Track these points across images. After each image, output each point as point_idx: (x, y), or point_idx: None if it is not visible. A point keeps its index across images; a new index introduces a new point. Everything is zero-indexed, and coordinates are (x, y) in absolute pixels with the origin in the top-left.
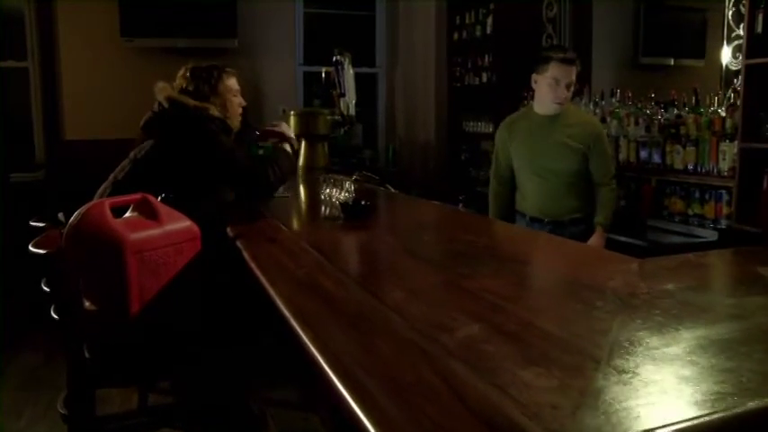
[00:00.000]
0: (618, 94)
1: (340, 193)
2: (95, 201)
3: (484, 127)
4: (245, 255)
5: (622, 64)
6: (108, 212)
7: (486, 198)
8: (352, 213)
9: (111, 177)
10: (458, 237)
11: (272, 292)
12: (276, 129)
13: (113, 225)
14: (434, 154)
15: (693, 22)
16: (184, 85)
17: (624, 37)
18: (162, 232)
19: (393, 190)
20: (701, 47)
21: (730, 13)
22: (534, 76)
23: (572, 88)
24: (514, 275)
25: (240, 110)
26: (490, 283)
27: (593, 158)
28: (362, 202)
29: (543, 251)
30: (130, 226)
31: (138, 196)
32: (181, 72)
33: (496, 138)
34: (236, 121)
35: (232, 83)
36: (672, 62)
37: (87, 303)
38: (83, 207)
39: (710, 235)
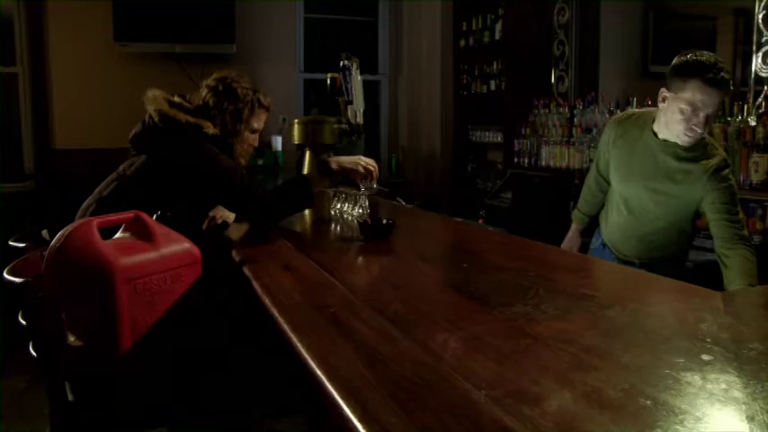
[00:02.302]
0: (634, 101)
1: (352, 209)
2: (81, 220)
3: (492, 136)
4: (256, 286)
5: (631, 72)
6: (96, 233)
7: (501, 211)
8: (372, 234)
9: (95, 192)
10: (502, 264)
11: (295, 340)
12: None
13: (102, 248)
14: (439, 164)
15: (703, 29)
16: (204, 95)
17: (633, 45)
18: (158, 256)
19: (404, 203)
20: None
21: (761, 16)
22: (663, 92)
23: (713, 120)
24: (587, 315)
25: (251, 150)
26: (562, 326)
27: (710, 217)
28: (384, 221)
29: (608, 283)
30: (121, 249)
31: (130, 214)
32: (208, 80)
33: (604, 131)
34: (242, 159)
35: (261, 118)
36: None
37: (71, 338)
38: (67, 227)
39: None
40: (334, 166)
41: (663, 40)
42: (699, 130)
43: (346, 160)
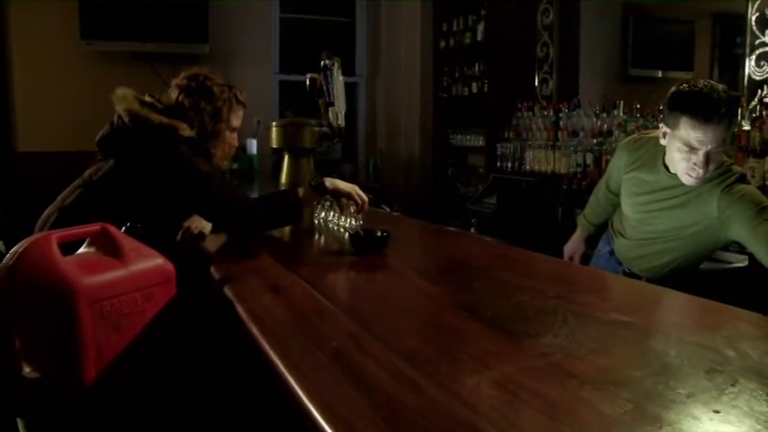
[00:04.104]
0: (621, 105)
1: (340, 219)
2: (39, 234)
3: (473, 140)
4: (241, 311)
5: (611, 75)
6: (55, 249)
7: (485, 216)
8: (365, 247)
9: (57, 200)
10: (513, 282)
11: (292, 381)
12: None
13: (62, 266)
14: (419, 169)
15: (681, 34)
16: (176, 96)
17: (613, 48)
18: (126, 274)
19: (388, 210)
20: (690, 59)
21: (754, 18)
22: (663, 127)
23: (718, 158)
24: (630, 348)
25: (233, 150)
26: (607, 363)
27: (747, 237)
28: (378, 233)
29: (637, 305)
30: (85, 267)
31: (96, 227)
32: (177, 79)
33: (615, 154)
34: (225, 162)
35: (239, 115)
36: (660, 74)
37: (27, 369)
38: (22, 242)
39: (739, 260)
40: (328, 185)
41: (642, 43)
42: (700, 171)
43: (343, 184)
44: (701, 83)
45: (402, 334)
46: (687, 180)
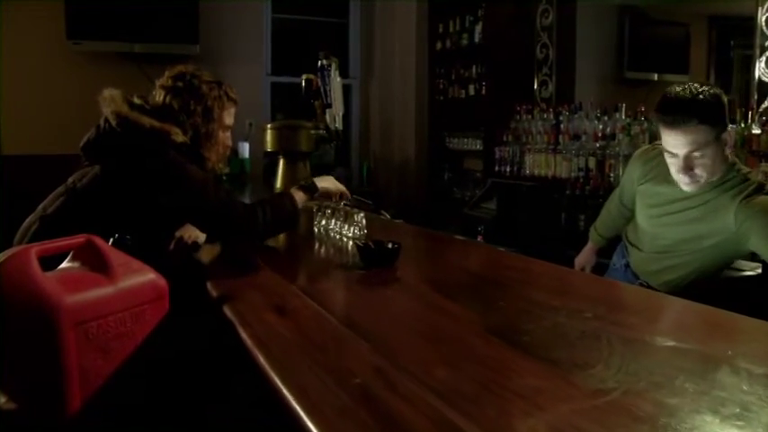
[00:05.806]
0: (623, 108)
1: (341, 227)
2: (17, 248)
3: (470, 143)
4: (244, 336)
5: (607, 78)
6: (35, 264)
7: (484, 222)
8: (375, 260)
9: (38, 209)
10: (545, 300)
11: (312, 427)
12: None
13: (42, 283)
14: (413, 173)
15: (677, 36)
16: (163, 98)
17: (609, 50)
18: (115, 291)
19: (388, 216)
20: (685, 62)
21: (764, 18)
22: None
23: (704, 162)
24: (694, 380)
25: (228, 151)
26: (677, 404)
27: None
28: (390, 245)
29: (682, 325)
30: (68, 284)
31: (80, 239)
32: (161, 80)
33: (628, 166)
34: (221, 164)
35: (231, 113)
36: (656, 77)
37: (2, 399)
38: None
39: (750, 267)
40: (321, 184)
41: (638, 45)
42: (685, 177)
43: (331, 184)
44: (681, 86)
45: (432, 366)
46: (683, 186)
